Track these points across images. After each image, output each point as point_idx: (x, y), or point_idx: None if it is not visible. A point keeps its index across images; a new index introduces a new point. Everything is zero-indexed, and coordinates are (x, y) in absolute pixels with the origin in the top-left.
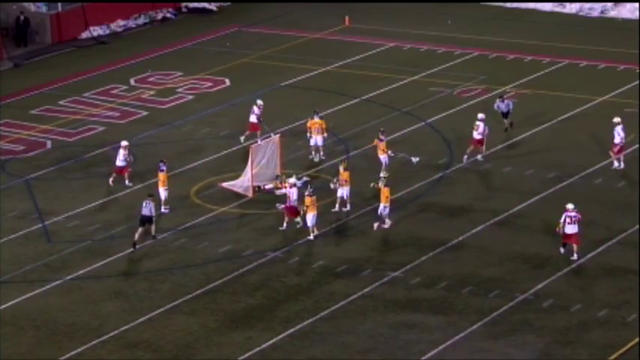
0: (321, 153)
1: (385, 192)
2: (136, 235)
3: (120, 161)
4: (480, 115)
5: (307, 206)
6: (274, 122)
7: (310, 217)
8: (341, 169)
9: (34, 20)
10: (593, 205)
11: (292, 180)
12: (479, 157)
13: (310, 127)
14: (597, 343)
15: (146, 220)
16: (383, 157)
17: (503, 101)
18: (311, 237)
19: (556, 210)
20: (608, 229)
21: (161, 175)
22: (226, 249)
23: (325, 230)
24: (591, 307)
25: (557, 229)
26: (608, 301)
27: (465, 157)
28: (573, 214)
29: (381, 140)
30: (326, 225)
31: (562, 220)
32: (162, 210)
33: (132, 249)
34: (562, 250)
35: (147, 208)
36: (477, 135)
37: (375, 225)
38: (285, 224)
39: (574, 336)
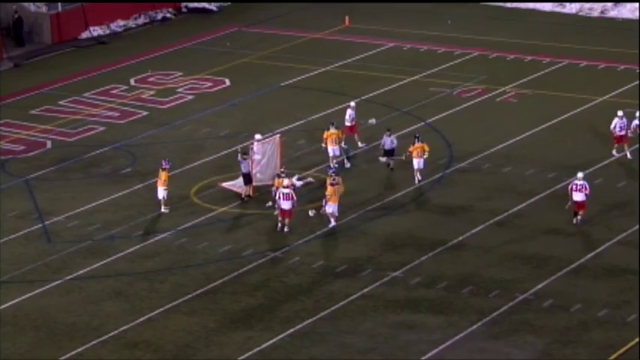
0: (334, 162)
1: (331, 190)
2: (246, 190)
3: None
4: (620, 113)
5: (276, 187)
6: (274, 122)
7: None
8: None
9: (35, 20)
10: (593, 205)
11: (286, 182)
12: (627, 153)
13: (326, 138)
14: (597, 343)
15: (246, 178)
16: (417, 161)
17: (389, 136)
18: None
19: (556, 210)
20: (608, 229)
21: (162, 174)
22: (226, 249)
23: (325, 230)
24: (591, 307)
25: (568, 205)
26: (608, 301)
27: (614, 151)
28: (580, 182)
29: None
30: (326, 225)
31: (569, 188)
32: (162, 210)
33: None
34: (575, 221)
35: (243, 165)
36: (619, 132)
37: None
38: (280, 226)
39: (574, 336)
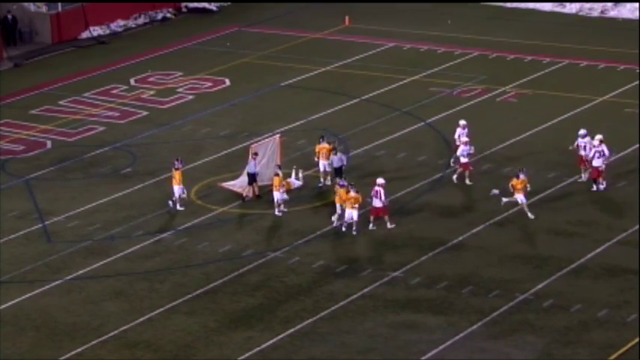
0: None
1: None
2: (248, 190)
3: (463, 157)
4: (583, 131)
5: (275, 186)
6: (274, 122)
7: (277, 194)
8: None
9: (30, 20)
10: (593, 205)
11: (380, 180)
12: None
13: (319, 152)
14: (597, 343)
15: (250, 177)
16: (520, 196)
17: (336, 154)
18: (277, 213)
19: (556, 210)
20: (608, 229)
21: (176, 174)
22: (226, 249)
23: (325, 230)
24: (591, 307)
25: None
26: (608, 301)
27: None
28: (600, 148)
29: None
30: (326, 225)
31: (576, 147)
32: (178, 208)
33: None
34: (584, 177)
35: (251, 164)
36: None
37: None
38: (371, 225)
39: (574, 336)
